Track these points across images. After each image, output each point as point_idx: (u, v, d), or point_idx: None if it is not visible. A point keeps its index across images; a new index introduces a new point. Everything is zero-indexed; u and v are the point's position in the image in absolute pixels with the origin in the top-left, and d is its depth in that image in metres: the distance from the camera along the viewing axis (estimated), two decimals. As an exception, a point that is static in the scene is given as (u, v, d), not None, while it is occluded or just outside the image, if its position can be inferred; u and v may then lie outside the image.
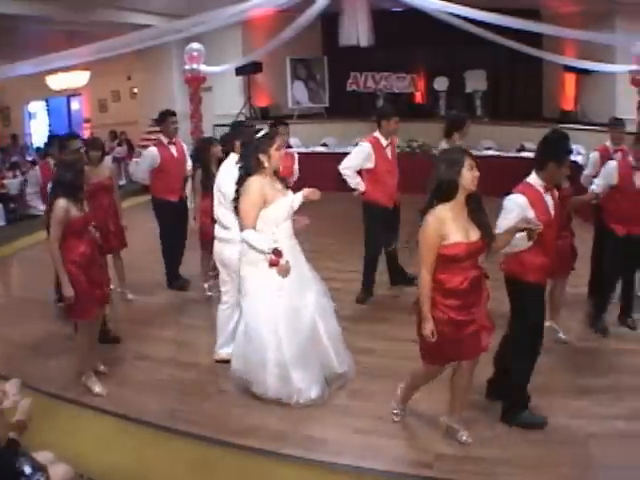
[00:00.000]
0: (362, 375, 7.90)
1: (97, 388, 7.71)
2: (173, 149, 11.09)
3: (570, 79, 20.44)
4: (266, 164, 7.17)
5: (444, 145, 9.93)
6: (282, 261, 7.04)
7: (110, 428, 7.10)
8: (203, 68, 17.41)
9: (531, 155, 15.45)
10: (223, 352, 8.24)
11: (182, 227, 11.05)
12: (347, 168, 10.29)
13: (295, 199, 7.31)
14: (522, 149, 18.57)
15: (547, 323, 8.18)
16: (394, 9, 19.07)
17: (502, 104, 21.67)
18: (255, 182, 7.13)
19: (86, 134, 24.44)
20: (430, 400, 7.10)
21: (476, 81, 21.08)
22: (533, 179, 6.75)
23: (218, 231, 8.24)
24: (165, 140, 11.04)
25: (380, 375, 7.94)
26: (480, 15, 14.94)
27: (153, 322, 9.84)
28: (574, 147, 16.94)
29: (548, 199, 6.70)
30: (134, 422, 7.14)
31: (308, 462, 6.39)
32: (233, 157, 8.04)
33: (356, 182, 10.29)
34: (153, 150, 11.03)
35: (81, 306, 7.46)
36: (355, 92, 21.54)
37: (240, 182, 7.25)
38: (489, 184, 10.84)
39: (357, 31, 16.34)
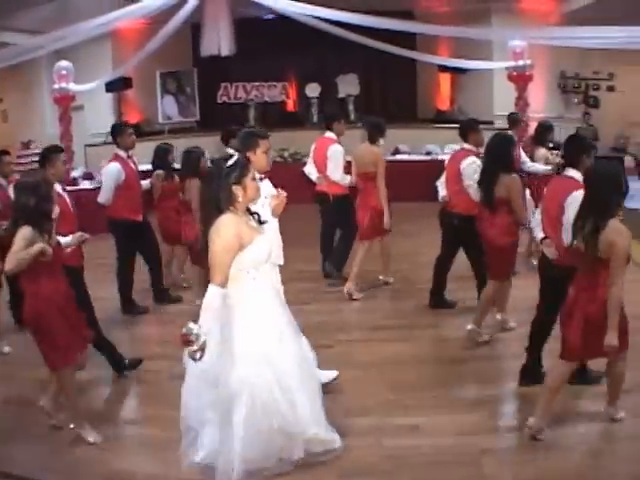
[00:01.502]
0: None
1: (91, 437, 6.83)
2: (131, 164, 10.27)
3: (445, 79, 20.63)
4: (240, 198, 5.87)
5: (374, 149, 10.42)
6: (192, 348, 5.51)
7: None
8: (72, 87, 16.78)
9: (406, 157, 15.36)
10: None
11: (151, 248, 10.53)
12: (342, 175, 10.93)
13: (271, 225, 6.59)
14: (397, 152, 18.53)
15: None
16: (266, 16, 18.73)
17: (375, 107, 21.17)
18: (229, 221, 5.80)
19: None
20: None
21: (348, 86, 20.88)
22: (575, 174, 7.06)
23: None
24: (123, 154, 10.16)
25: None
26: (348, 17, 14.72)
27: (24, 361, 8.49)
28: (452, 147, 17.31)
29: None
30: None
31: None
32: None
33: (348, 179, 10.98)
34: (116, 165, 9.98)
35: (61, 351, 6.53)
36: (226, 103, 21.03)
37: (207, 221, 5.93)
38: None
39: (219, 41, 15.98)
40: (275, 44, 19.47)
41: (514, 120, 11.66)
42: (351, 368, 8.04)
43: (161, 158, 10.80)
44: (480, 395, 7.52)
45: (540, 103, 18.20)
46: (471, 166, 9.14)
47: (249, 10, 17.08)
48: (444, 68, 19.68)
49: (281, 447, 5.97)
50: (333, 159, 10.89)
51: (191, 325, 5.44)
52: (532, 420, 6.52)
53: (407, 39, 18.09)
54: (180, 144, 19.30)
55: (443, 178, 9.94)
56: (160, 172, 10.48)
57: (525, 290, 9.10)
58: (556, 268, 7.14)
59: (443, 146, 18.39)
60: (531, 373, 7.60)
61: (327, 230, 11.46)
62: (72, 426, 6.89)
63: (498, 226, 8.46)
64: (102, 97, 19.87)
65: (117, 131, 10.34)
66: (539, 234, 7.41)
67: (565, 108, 19.70)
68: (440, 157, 17.87)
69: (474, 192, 8.97)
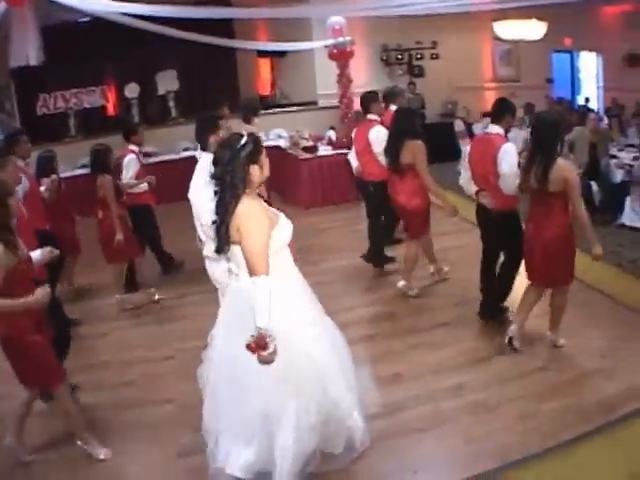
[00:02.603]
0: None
1: (102, 454, 6.44)
2: (29, 172, 9.59)
3: (265, 64, 20.71)
4: (257, 178, 5.39)
5: (249, 128, 10.61)
6: (266, 352, 4.99)
7: None
8: None
9: None
10: None
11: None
12: None
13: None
14: (223, 143, 17.97)
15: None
16: (80, 20, 18.08)
17: (196, 101, 20.94)
18: (254, 204, 5.34)
19: None
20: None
21: (168, 82, 20.49)
22: (498, 129, 8.19)
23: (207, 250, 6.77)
24: (22, 163, 9.30)
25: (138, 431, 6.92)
26: (159, 11, 14.31)
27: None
28: (276, 132, 17.19)
29: None
30: None
31: None
32: (207, 159, 6.43)
33: None
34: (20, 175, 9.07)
35: (51, 369, 6.10)
36: (46, 115, 19.85)
37: (225, 209, 5.29)
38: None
39: (26, 50, 15.28)
40: (91, 47, 18.72)
41: (393, 94, 11.92)
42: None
43: (45, 166, 10.31)
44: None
45: (363, 78, 18.36)
46: (379, 134, 10.13)
47: (61, 15, 16.50)
48: (263, 53, 19.81)
49: (326, 439, 5.73)
50: None
51: (262, 326, 4.95)
52: (513, 327, 7.87)
53: (224, 27, 17.88)
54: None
55: (353, 151, 10.87)
56: (55, 177, 10.05)
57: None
58: (493, 214, 8.24)
59: (268, 132, 18.26)
60: (489, 309, 8.85)
61: None
62: (79, 443, 6.49)
63: (407, 191, 9.31)
64: None
65: (13, 140, 9.64)
66: (472, 187, 8.43)
67: (390, 80, 19.91)
68: (266, 143, 17.82)
69: (383, 159, 9.85)
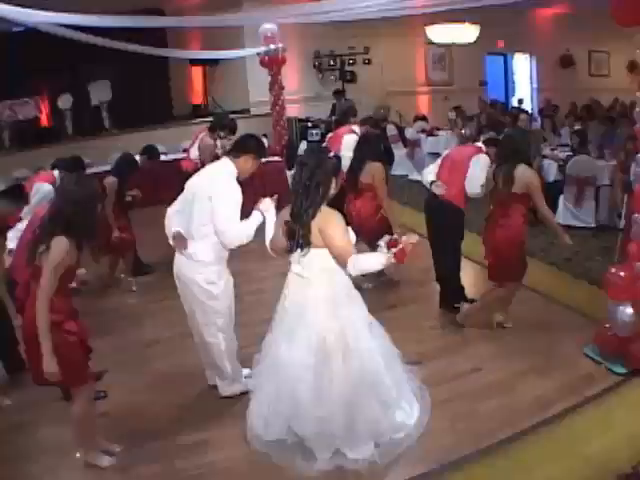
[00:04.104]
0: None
1: (105, 461, 6.10)
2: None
3: (197, 72, 20.72)
4: (332, 191, 5.72)
5: (208, 140, 11.59)
6: (405, 239, 5.29)
7: None
8: None
9: (165, 158, 15.43)
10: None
11: None
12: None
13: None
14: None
15: None
16: (15, 29, 17.74)
17: (130, 111, 20.65)
18: (329, 209, 5.63)
19: None
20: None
21: (101, 92, 20.29)
22: (480, 144, 8.87)
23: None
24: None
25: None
26: (91, 21, 14.12)
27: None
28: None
29: None
30: None
31: None
32: (226, 162, 6.84)
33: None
34: None
35: (81, 368, 5.76)
36: None
37: (307, 213, 5.53)
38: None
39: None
40: (25, 57, 18.43)
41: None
42: (131, 392, 7.51)
43: None
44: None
45: (295, 84, 18.43)
46: (352, 140, 10.59)
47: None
48: (195, 62, 19.83)
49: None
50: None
51: (387, 238, 5.44)
52: (498, 315, 8.54)
53: (157, 37, 17.82)
54: None
55: None
56: None
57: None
58: (442, 203, 8.61)
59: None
60: (448, 301, 9.13)
61: None
62: (78, 455, 6.18)
63: (361, 211, 9.84)
64: None
65: None
66: (429, 177, 8.76)
67: (322, 86, 19.91)
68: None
69: (347, 163, 9.85)
